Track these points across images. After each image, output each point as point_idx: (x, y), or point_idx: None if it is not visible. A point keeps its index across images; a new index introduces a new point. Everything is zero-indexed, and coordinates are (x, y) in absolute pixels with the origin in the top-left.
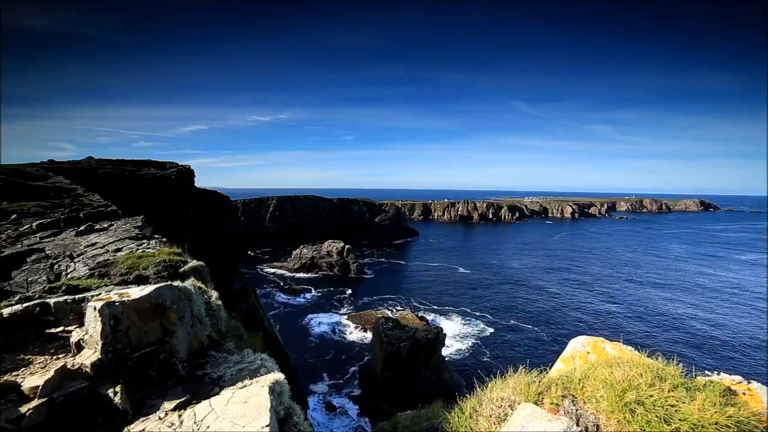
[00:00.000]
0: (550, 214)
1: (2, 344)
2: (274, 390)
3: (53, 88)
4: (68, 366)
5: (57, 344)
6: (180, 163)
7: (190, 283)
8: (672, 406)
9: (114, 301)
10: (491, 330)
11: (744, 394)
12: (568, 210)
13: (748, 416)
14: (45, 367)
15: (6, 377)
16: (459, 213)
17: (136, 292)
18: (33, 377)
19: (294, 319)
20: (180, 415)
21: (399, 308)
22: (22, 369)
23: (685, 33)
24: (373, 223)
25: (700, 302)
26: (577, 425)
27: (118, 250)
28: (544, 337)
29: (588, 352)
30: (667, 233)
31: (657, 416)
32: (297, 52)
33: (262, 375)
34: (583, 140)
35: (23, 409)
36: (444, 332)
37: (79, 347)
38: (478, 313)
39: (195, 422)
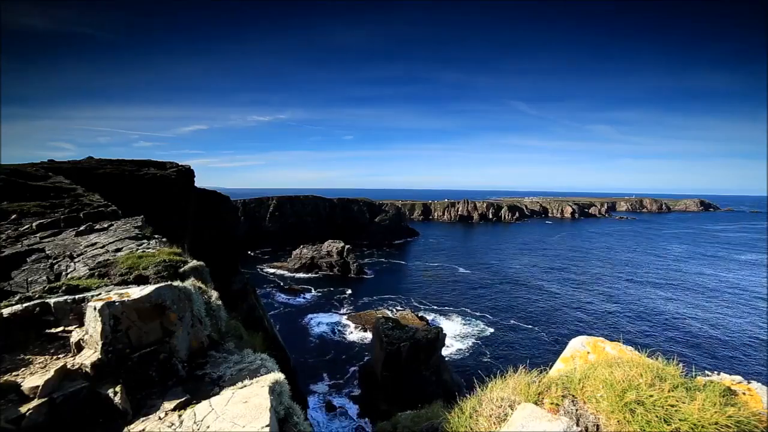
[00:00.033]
0: (550, 214)
1: (2, 344)
2: (274, 390)
3: (53, 88)
4: (68, 366)
5: (57, 344)
6: (180, 163)
7: (190, 283)
8: (672, 406)
9: (114, 301)
10: (491, 330)
11: (744, 394)
12: (568, 210)
13: (748, 416)
14: (45, 367)
15: (6, 377)
16: (459, 213)
17: (136, 292)
18: (33, 377)
19: (294, 319)
20: (180, 415)
21: (399, 308)
22: (22, 369)
23: (685, 33)
24: (373, 223)
25: (700, 302)
26: (577, 425)
27: (118, 250)
28: (544, 337)
29: (588, 352)
30: (667, 233)
31: (657, 416)
32: (297, 52)
33: (262, 375)
34: (583, 140)
35: (23, 409)
36: (444, 332)
37: (79, 347)
38: (478, 313)
39: (195, 422)
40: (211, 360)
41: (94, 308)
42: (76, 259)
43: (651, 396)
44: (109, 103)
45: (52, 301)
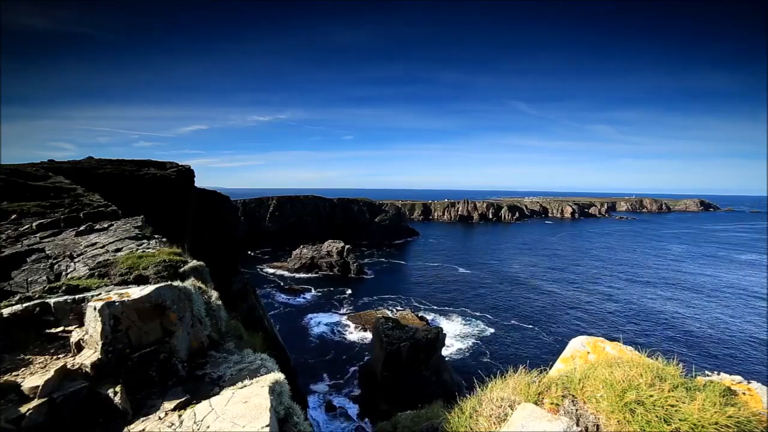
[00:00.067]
0: (550, 214)
1: (2, 344)
2: (274, 390)
3: (53, 88)
4: (68, 366)
5: (57, 344)
6: (180, 163)
7: (190, 283)
8: (672, 406)
9: (114, 301)
10: (491, 330)
11: (744, 394)
12: (568, 210)
13: (748, 416)
14: (45, 367)
15: (6, 377)
16: (459, 213)
17: (136, 292)
18: (33, 377)
19: (294, 319)
20: (180, 415)
21: (399, 308)
22: (22, 369)
23: (685, 33)
24: (373, 223)
25: (700, 302)
26: (577, 425)
27: (118, 250)
28: (544, 337)
29: (588, 352)
30: (667, 233)
31: (657, 416)
32: (297, 52)
33: (262, 375)
34: (583, 140)
35: (23, 409)
36: (444, 332)
37: (79, 347)
38: (478, 313)
39: (195, 422)
40: (211, 360)
41: (94, 308)
42: (76, 259)
43: (651, 396)
44: (109, 103)
45: (52, 301)
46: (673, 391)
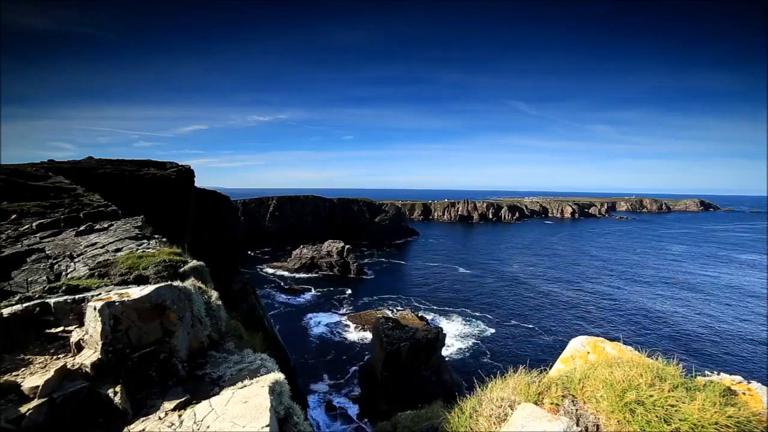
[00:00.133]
0: (550, 214)
1: (2, 344)
2: (274, 390)
3: (53, 88)
4: (68, 366)
5: (57, 344)
6: (180, 163)
7: (190, 283)
8: (672, 406)
9: (114, 301)
10: (491, 330)
11: (744, 394)
12: (568, 210)
13: (748, 416)
14: (45, 367)
15: (6, 377)
16: (459, 213)
17: (136, 292)
18: (33, 377)
19: (294, 319)
20: (180, 415)
21: (399, 308)
22: (22, 369)
23: (685, 33)
24: (373, 223)
25: (700, 302)
26: (577, 425)
27: (118, 250)
28: (544, 337)
29: (588, 352)
30: (667, 233)
31: (657, 416)
32: (297, 52)
33: (262, 375)
34: (583, 140)
35: (23, 409)
36: (444, 332)
37: (79, 347)
38: (478, 313)
39: (195, 422)
40: (211, 360)
41: (94, 308)
42: (76, 259)
43: (651, 396)
44: (109, 103)
45: (52, 301)
46: (673, 391)
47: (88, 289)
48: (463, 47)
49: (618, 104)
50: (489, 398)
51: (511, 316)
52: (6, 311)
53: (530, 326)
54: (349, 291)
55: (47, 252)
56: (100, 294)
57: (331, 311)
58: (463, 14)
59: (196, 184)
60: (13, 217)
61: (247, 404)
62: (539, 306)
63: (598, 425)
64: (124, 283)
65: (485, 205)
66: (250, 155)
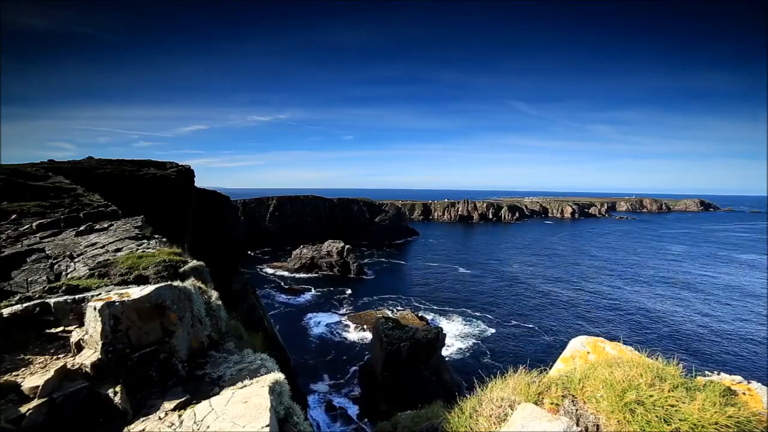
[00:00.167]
0: (550, 214)
1: (2, 344)
2: (274, 390)
3: (53, 88)
4: (68, 366)
5: (57, 344)
6: (180, 163)
7: (190, 283)
8: (672, 406)
9: (114, 301)
10: (491, 330)
11: (744, 394)
12: (568, 210)
13: (748, 416)
14: (45, 367)
15: (6, 377)
16: (459, 213)
17: (136, 292)
18: (33, 377)
19: (294, 319)
20: (180, 415)
21: (399, 308)
22: (22, 369)
23: (685, 33)
24: (373, 223)
25: (700, 302)
26: (577, 425)
27: (118, 250)
28: (544, 337)
29: (588, 352)
30: (667, 233)
31: (657, 416)
32: (297, 52)
33: (262, 375)
34: (583, 140)
35: (23, 409)
36: (444, 332)
37: (79, 347)
38: (478, 313)
39: (195, 422)
40: (211, 360)
41: (94, 308)
42: (76, 259)
43: (651, 396)
44: (109, 103)
45: (52, 301)
46: (673, 391)
47: (88, 289)
48: (463, 47)
49: (618, 104)
50: (489, 398)
51: (511, 316)
52: (6, 311)
53: (530, 326)
54: (349, 291)
55: (47, 252)
56: (100, 294)
57: (331, 311)
58: (463, 14)
59: (196, 184)
60: (13, 217)
61: (247, 404)
62: (539, 306)
63: (598, 425)
64: (124, 283)
65: (485, 205)
66: (250, 155)
